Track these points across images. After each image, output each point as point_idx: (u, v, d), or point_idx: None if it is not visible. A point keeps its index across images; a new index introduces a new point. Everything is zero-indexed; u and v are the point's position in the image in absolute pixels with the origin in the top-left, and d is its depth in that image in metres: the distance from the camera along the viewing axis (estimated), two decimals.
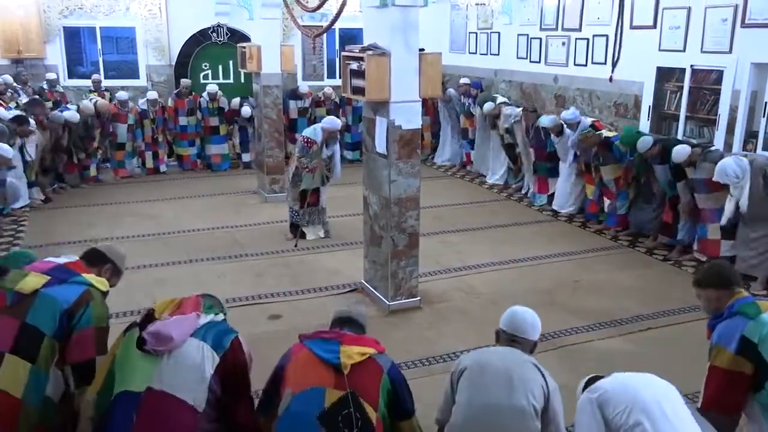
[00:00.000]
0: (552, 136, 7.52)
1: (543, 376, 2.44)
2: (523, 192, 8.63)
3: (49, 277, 2.45)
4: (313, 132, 6.46)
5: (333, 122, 6.55)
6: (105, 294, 2.60)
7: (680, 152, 5.78)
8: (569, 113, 7.19)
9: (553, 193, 7.92)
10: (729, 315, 2.63)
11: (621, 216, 6.95)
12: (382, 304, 5.10)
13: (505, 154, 8.86)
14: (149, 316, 2.31)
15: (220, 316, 2.41)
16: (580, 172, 7.38)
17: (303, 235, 6.67)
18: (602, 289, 5.59)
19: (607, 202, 7.08)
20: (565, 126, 7.29)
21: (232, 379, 2.24)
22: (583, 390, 2.45)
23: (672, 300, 5.26)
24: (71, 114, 8.26)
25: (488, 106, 8.63)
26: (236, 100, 9.84)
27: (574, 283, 5.70)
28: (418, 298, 5.21)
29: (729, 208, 5.50)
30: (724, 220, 5.57)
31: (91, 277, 2.56)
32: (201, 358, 2.17)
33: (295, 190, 6.58)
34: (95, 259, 2.73)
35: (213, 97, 9.79)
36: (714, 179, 5.42)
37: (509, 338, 2.60)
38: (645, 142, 6.16)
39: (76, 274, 2.52)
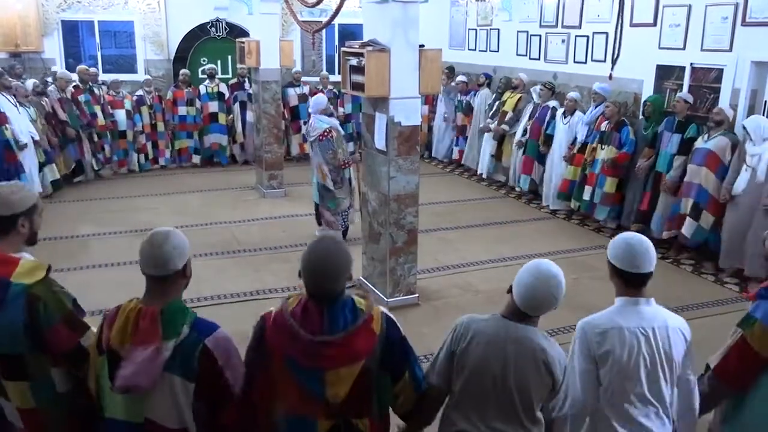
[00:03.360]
0: (561, 114, 7.74)
1: (551, 373, 2.23)
2: (504, 180, 8.86)
3: None
4: (321, 123, 6.18)
5: (318, 101, 6.37)
6: (47, 273, 2.22)
7: (726, 108, 6.00)
8: (602, 85, 7.42)
9: (538, 181, 8.12)
10: None
11: (593, 204, 7.08)
12: (380, 301, 5.10)
13: (495, 143, 8.94)
14: (112, 353, 2.06)
15: (184, 330, 2.05)
16: (572, 156, 7.49)
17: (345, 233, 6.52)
18: (600, 287, 5.55)
19: (587, 188, 7.15)
20: (577, 111, 7.62)
21: (211, 389, 2.10)
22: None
23: (670, 298, 5.24)
24: (29, 81, 8.45)
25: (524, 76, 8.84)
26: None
27: (572, 280, 5.68)
28: (416, 294, 5.20)
29: (744, 177, 5.58)
30: (739, 190, 5.62)
31: (21, 275, 2.18)
32: (176, 393, 2.05)
33: (345, 188, 6.33)
34: (2, 227, 2.25)
35: (211, 74, 9.81)
36: (744, 122, 5.68)
37: (521, 314, 2.28)
38: (684, 93, 6.45)
39: (4, 281, 2.16)
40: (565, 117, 7.70)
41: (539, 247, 6.50)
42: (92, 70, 9.28)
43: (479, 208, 8.04)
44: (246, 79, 9.77)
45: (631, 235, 2.45)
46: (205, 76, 10.10)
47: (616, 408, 2.35)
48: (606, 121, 7.06)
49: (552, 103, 8.02)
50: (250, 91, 9.40)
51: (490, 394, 2.24)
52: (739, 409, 2.54)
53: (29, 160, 7.60)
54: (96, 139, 8.98)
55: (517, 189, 8.48)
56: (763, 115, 5.99)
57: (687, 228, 5.98)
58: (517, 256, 6.23)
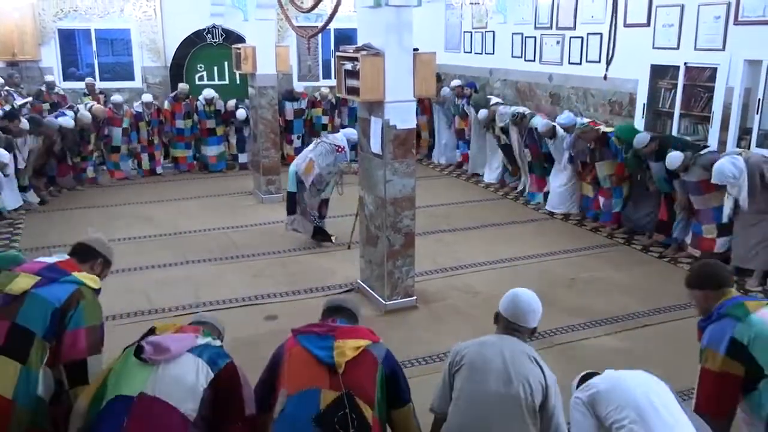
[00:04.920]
0: (546, 139, 7.56)
1: (542, 369, 2.43)
2: (520, 189, 8.65)
3: (39, 278, 2.42)
4: (341, 139, 6.50)
5: (354, 136, 6.50)
6: (97, 291, 2.57)
7: (674, 159, 5.74)
8: (564, 118, 7.22)
9: (548, 192, 7.95)
10: (718, 317, 2.60)
11: (615, 213, 6.99)
12: (378, 304, 5.11)
13: (502, 154, 8.86)
14: (150, 332, 2.35)
15: (218, 342, 2.43)
16: (577, 173, 7.39)
17: (329, 238, 6.62)
18: (598, 287, 5.60)
19: (602, 199, 7.11)
20: (558, 128, 7.32)
21: (225, 401, 2.23)
22: (577, 387, 2.47)
23: (667, 297, 5.28)
24: (66, 120, 8.21)
25: (482, 113, 8.57)
26: (231, 103, 9.88)
27: (570, 281, 5.72)
28: (414, 297, 5.21)
29: (728, 205, 5.54)
30: (725, 218, 5.59)
31: (82, 276, 2.53)
32: (195, 371, 2.20)
33: (315, 200, 6.51)
34: (86, 254, 2.70)
35: (209, 102, 9.80)
36: (712, 181, 5.41)
37: (509, 325, 2.58)
38: (642, 138, 6.17)
39: (67, 273, 2.49)
40: (550, 139, 7.50)
41: (537, 248, 6.52)
42: (88, 80, 9.31)
43: (477, 209, 8.06)
44: (241, 106, 9.68)
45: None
46: (203, 82, 10.12)
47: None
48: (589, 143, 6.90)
49: (535, 124, 7.71)
50: (244, 117, 9.43)
51: (491, 392, 2.33)
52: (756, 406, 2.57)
53: (9, 180, 7.47)
54: (78, 160, 8.88)
55: (531, 204, 8.26)
56: (757, 113, 6.02)
57: (720, 246, 5.81)
58: (515, 257, 6.25)
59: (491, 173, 9.26)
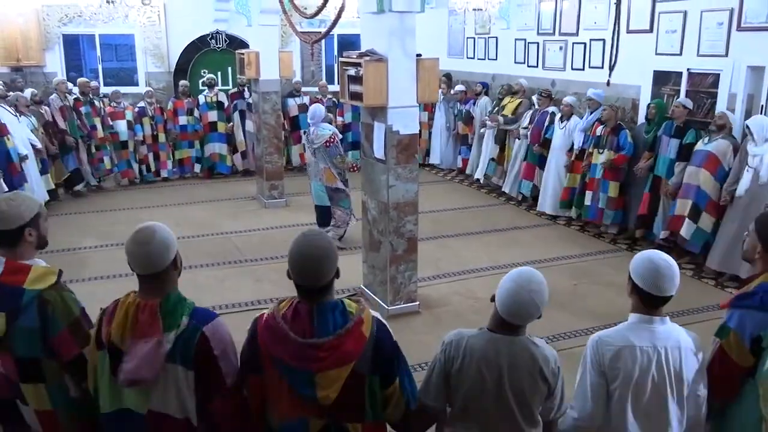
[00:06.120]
0: (557, 119, 7.77)
1: (546, 380, 2.23)
2: (502, 188, 8.79)
3: (3, 313, 2.22)
4: (324, 131, 6.47)
5: (317, 111, 6.57)
6: (58, 278, 2.30)
7: (728, 113, 6.05)
8: (596, 91, 7.45)
9: (538, 187, 8.14)
10: (760, 305, 2.35)
11: (600, 209, 7.07)
12: (381, 309, 5.10)
13: (494, 143, 8.96)
14: (113, 347, 2.07)
15: (184, 321, 2.07)
16: (570, 162, 7.51)
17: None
18: (601, 292, 5.60)
19: (589, 194, 7.15)
20: (574, 115, 7.64)
21: (205, 376, 2.11)
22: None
23: (670, 302, 5.26)
24: (28, 91, 8.44)
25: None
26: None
27: (572, 287, 5.71)
28: (417, 302, 5.22)
29: (746, 178, 5.59)
30: (742, 191, 5.62)
31: (32, 283, 2.25)
32: (179, 380, 2.08)
33: (349, 189, 6.59)
34: (10, 240, 2.29)
35: (210, 84, 9.92)
36: (747, 122, 5.64)
37: (506, 325, 2.22)
38: (684, 99, 6.46)
39: (19, 289, 2.23)
40: (561, 121, 7.73)
41: (540, 253, 6.52)
42: (93, 83, 9.35)
43: (480, 215, 8.06)
44: (246, 89, 9.83)
45: (658, 255, 2.39)
46: (205, 87, 10.17)
47: (615, 425, 2.32)
48: (601, 126, 7.07)
49: (551, 108, 8.04)
50: (250, 101, 9.46)
51: (489, 408, 2.24)
52: (725, 419, 2.53)
53: (32, 170, 7.63)
54: (94, 150, 9.02)
55: (518, 196, 8.49)
56: None
57: (685, 229, 5.99)
58: (517, 262, 6.22)
59: (482, 170, 9.30)
